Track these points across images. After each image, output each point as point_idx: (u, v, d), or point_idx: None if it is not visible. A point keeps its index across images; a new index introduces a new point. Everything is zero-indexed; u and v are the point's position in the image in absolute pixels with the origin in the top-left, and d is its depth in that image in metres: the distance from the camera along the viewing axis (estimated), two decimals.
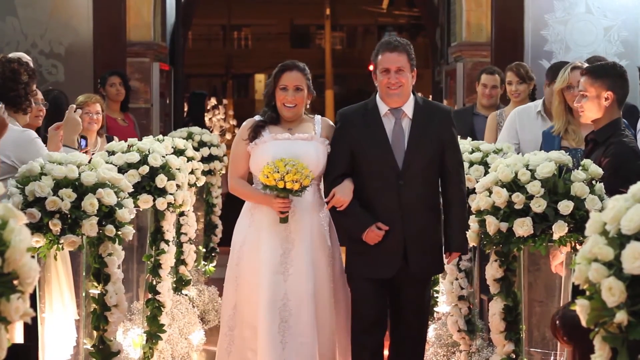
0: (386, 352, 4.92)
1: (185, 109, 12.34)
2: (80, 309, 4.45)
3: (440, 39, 11.99)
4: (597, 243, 2.44)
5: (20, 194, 4.13)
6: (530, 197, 4.10)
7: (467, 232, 4.50)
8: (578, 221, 4.04)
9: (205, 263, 8.23)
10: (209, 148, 7.97)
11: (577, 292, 2.59)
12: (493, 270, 4.32)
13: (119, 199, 4.30)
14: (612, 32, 8.62)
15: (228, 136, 15.23)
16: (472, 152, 5.50)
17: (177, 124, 10.24)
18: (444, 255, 4.80)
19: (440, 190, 4.77)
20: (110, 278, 4.36)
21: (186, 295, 6.84)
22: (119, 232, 4.28)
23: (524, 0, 8.63)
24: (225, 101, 18.31)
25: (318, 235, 4.78)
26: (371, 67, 4.86)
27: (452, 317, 5.64)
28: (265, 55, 23.20)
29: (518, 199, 4.10)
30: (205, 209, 8.24)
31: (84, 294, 4.40)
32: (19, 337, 3.90)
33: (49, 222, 4.09)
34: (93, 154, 5.52)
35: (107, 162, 4.84)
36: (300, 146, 4.74)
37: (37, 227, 4.09)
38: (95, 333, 4.38)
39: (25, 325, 3.85)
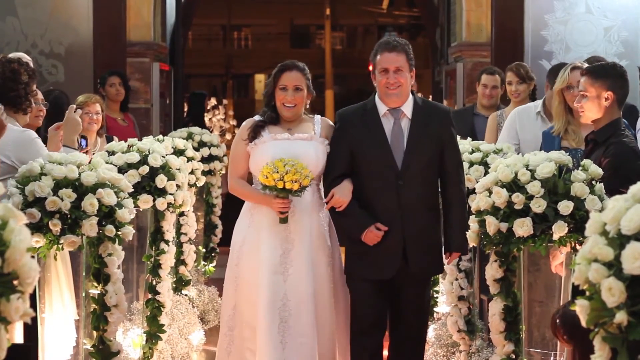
0: (385, 353, 4.92)
1: (185, 109, 12.34)
2: (80, 309, 4.45)
3: (440, 39, 11.99)
4: (597, 243, 2.44)
5: (20, 194, 4.13)
6: (530, 198, 4.10)
7: (467, 232, 4.50)
8: (578, 221, 4.04)
9: (205, 263, 8.23)
10: (209, 148, 7.98)
11: (577, 292, 2.59)
12: (493, 271, 4.32)
13: (119, 199, 4.30)
14: (612, 32, 8.62)
15: (228, 136, 15.22)
16: (472, 152, 5.50)
17: (177, 124, 10.23)
18: (443, 256, 4.80)
19: (439, 190, 4.76)
20: (110, 278, 4.36)
21: (186, 295, 6.84)
22: (119, 232, 4.28)
23: (524, 1, 8.63)
24: (225, 101, 18.30)
25: (318, 235, 4.78)
26: (370, 68, 4.86)
27: (452, 318, 5.65)
28: (265, 55, 23.19)
29: (518, 199, 4.10)
30: (205, 209, 8.24)
31: (83, 294, 4.40)
32: (18, 337, 3.90)
33: (49, 222, 4.09)
34: (93, 154, 5.52)
35: (107, 162, 4.84)
36: (299, 146, 4.74)
37: (37, 227, 4.09)
38: (95, 333, 4.38)
39: (25, 325, 3.85)
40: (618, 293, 2.34)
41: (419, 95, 4.95)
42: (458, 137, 5.58)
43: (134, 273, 5.84)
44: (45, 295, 4.38)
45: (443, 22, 11.49)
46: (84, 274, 4.37)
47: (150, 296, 5.38)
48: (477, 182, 4.42)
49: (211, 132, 9.41)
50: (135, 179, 5.19)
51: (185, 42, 13.48)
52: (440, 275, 6.02)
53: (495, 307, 4.34)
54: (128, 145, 5.43)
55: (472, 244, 4.44)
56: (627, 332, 2.36)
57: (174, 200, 5.34)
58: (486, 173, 5.04)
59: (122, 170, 5.16)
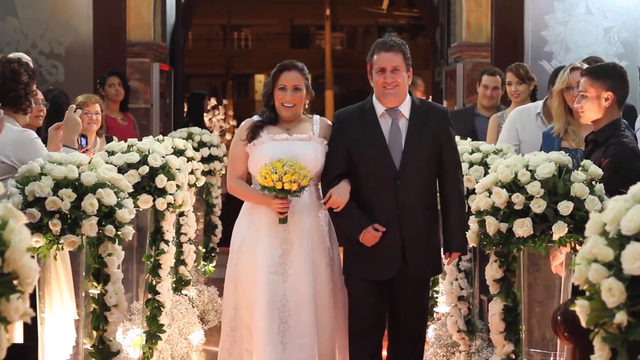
0: (385, 353, 4.92)
1: (185, 109, 12.34)
2: (80, 309, 4.45)
3: (440, 39, 11.98)
4: (597, 244, 2.44)
5: (20, 194, 4.13)
6: (530, 198, 4.10)
7: (466, 231, 4.50)
8: (578, 222, 4.04)
9: (205, 263, 8.23)
10: (209, 148, 7.98)
11: (576, 292, 2.59)
12: (493, 271, 4.32)
13: (119, 199, 4.30)
14: (612, 33, 8.62)
15: (228, 136, 15.21)
16: (472, 152, 5.50)
17: (177, 124, 10.24)
18: (443, 256, 4.79)
19: (438, 190, 4.76)
20: (110, 278, 4.36)
21: (186, 295, 6.84)
22: (119, 232, 4.28)
23: (524, 1, 8.63)
24: (225, 101, 18.28)
25: (317, 235, 4.78)
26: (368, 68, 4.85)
27: (451, 318, 5.65)
28: (265, 55, 23.18)
29: (518, 199, 4.10)
30: (205, 209, 8.24)
31: (83, 294, 4.40)
32: (18, 337, 3.90)
33: (49, 222, 4.09)
34: (94, 153, 5.52)
35: (107, 162, 4.84)
36: (298, 147, 4.74)
37: (37, 227, 4.09)
38: (95, 333, 4.38)
39: (25, 325, 3.85)
40: (618, 293, 2.34)
41: (421, 94, 4.94)
42: (458, 138, 5.60)
43: (134, 273, 5.84)
44: (45, 295, 4.38)
45: (443, 22, 11.49)
46: (83, 274, 4.37)
47: (150, 296, 5.38)
48: (477, 182, 4.42)
49: (211, 132, 9.41)
50: (135, 179, 5.19)
51: (185, 42, 13.47)
52: (440, 275, 6.02)
53: (495, 307, 4.34)
54: (128, 146, 5.43)
55: (472, 244, 4.44)
56: (627, 332, 2.36)
57: (174, 200, 5.34)
58: (486, 173, 5.04)
59: (122, 170, 5.16)
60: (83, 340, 4.42)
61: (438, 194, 4.77)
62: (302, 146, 4.75)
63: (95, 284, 4.36)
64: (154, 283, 5.39)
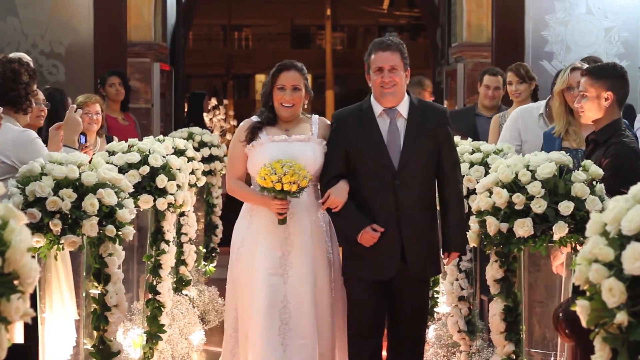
0: (384, 353, 4.91)
1: (186, 110, 12.34)
2: (80, 309, 4.45)
3: (440, 39, 11.99)
4: (598, 244, 2.44)
5: (21, 194, 4.13)
6: (530, 198, 4.10)
7: (465, 231, 4.50)
8: (578, 222, 4.04)
9: (206, 263, 8.23)
10: (210, 148, 7.98)
11: (577, 292, 2.59)
12: (493, 271, 4.32)
13: (120, 199, 4.30)
14: (613, 33, 8.61)
15: (228, 136, 15.21)
16: (473, 152, 5.50)
17: (178, 124, 10.24)
18: (442, 256, 4.78)
19: (436, 190, 4.75)
20: (111, 278, 4.36)
21: (186, 295, 6.84)
22: (120, 232, 4.28)
23: (524, 1, 8.63)
24: (225, 101, 18.30)
25: (317, 235, 4.77)
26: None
27: (452, 318, 5.64)
28: (265, 55, 23.19)
29: (518, 199, 4.10)
30: (205, 209, 8.24)
31: (84, 294, 4.40)
32: (19, 337, 3.90)
33: (50, 222, 4.09)
34: (94, 153, 5.52)
35: (107, 162, 4.84)
36: (297, 147, 4.73)
37: (37, 227, 4.09)
38: (95, 333, 4.38)
39: (26, 325, 3.85)
40: (618, 293, 2.34)
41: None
42: (459, 138, 5.60)
43: (135, 273, 5.84)
44: (46, 295, 4.38)
45: (444, 22, 11.49)
46: (84, 274, 4.37)
47: (150, 296, 5.38)
48: (478, 182, 4.41)
49: (212, 132, 9.42)
50: (135, 179, 5.20)
51: (186, 42, 13.48)
52: (440, 275, 6.01)
53: (496, 308, 4.34)
54: (128, 146, 5.43)
55: (472, 244, 4.44)
56: (627, 332, 2.36)
57: (175, 200, 5.34)
58: (487, 173, 5.03)
59: (122, 170, 5.16)
60: (83, 341, 4.42)
61: (437, 194, 4.77)
62: (301, 147, 4.74)
63: (95, 284, 4.36)
64: (154, 283, 5.39)
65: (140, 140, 5.68)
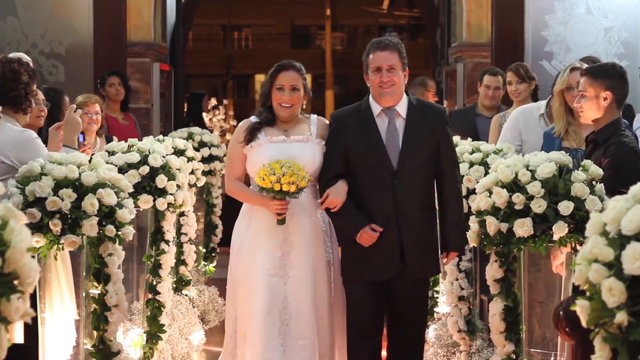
0: (384, 353, 4.91)
1: (186, 110, 12.35)
2: (80, 309, 4.45)
3: (440, 39, 11.98)
4: (598, 244, 2.44)
5: (21, 194, 4.13)
6: (530, 198, 4.10)
7: (463, 231, 4.50)
8: (578, 222, 4.04)
9: (206, 263, 8.23)
10: (209, 148, 7.98)
11: (577, 292, 2.59)
12: (493, 271, 4.32)
13: (119, 199, 4.30)
14: (613, 32, 8.61)
15: (228, 136, 15.20)
16: (472, 152, 5.49)
17: (178, 124, 10.24)
18: (441, 256, 4.78)
19: (435, 189, 4.74)
20: (111, 278, 4.36)
21: (186, 295, 6.84)
22: (119, 232, 4.28)
23: (524, 1, 8.63)
24: (225, 101, 18.29)
25: (317, 236, 4.77)
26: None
27: (452, 318, 5.64)
28: (265, 55, 23.18)
29: (518, 199, 4.10)
30: (205, 209, 8.24)
31: (84, 294, 4.40)
32: (19, 337, 3.90)
33: (49, 222, 4.09)
34: (93, 153, 5.52)
35: (107, 162, 4.84)
36: (296, 148, 4.72)
37: (37, 227, 4.09)
38: (95, 333, 4.38)
39: (26, 325, 3.85)
40: (618, 293, 2.34)
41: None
42: (458, 138, 5.59)
43: (134, 273, 5.84)
44: (46, 295, 4.38)
45: (443, 22, 11.48)
46: (84, 274, 4.37)
47: (150, 296, 5.38)
48: (478, 182, 4.41)
49: (211, 132, 9.42)
50: (135, 179, 5.20)
51: (186, 42, 13.47)
52: (440, 275, 6.01)
53: (496, 307, 4.34)
54: (128, 146, 5.43)
55: (472, 244, 4.44)
56: (627, 332, 2.36)
57: (174, 200, 5.34)
58: (486, 173, 5.03)
59: (122, 170, 5.16)
60: (83, 341, 4.42)
61: (436, 194, 4.76)
62: (300, 147, 4.73)
63: (95, 284, 4.36)
64: (154, 283, 5.39)
65: (140, 140, 5.68)
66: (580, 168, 4.17)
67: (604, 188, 4.12)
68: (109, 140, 6.22)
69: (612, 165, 4.32)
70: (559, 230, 4.04)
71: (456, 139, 5.51)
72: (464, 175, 5.23)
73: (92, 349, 4.38)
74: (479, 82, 7.42)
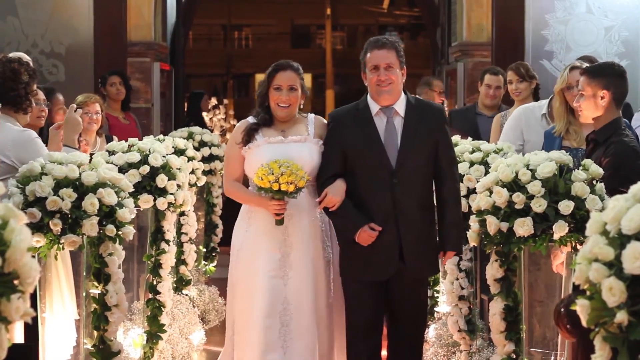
0: (384, 353, 4.91)
1: (186, 109, 12.36)
2: (80, 309, 4.45)
3: (440, 39, 11.99)
4: (598, 243, 2.44)
5: (21, 193, 4.13)
6: (530, 197, 4.10)
7: (461, 230, 4.49)
8: (579, 221, 4.04)
9: (206, 263, 8.23)
10: (210, 148, 7.99)
11: (577, 291, 2.59)
12: (493, 270, 4.32)
13: (120, 199, 4.30)
14: (613, 32, 8.61)
15: (228, 136, 15.18)
16: (473, 152, 5.49)
17: (178, 123, 10.24)
18: (438, 255, 4.77)
19: (434, 188, 4.73)
20: (111, 278, 4.36)
21: (186, 295, 6.84)
22: (120, 232, 4.28)
23: (524, 0, 8.63)
24: (225, 101, 18.30)
25: (316, 236, 4.76)
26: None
27: (452, 317, 5.64)
28: (265, 55, 23.16)
29: (518, 198, 4.10)
30: (205, 208, 8.24)
31: (84, 294, 4.40)
32: (19, 337, 3.90)
33: (50, 222, 4.09)
34: (92, 154, 5.52)
35: (107, 162, 4.84)
36: (293, 148, 4.71)
37: (37, 227, 4.09)
38: (95, 333, 4.37)
39: (26, 325, 3.85)
40: (619, 293, 2.34)
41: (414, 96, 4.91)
42: (459, 137, 5.59)
43: (135, 273, 5.84)
44: (46, 295, 4.38)
45: (444, 22, 11.49)
46: (84, 273, 4.37)
47: (150, 296, 5.38)
48: (478, 181, 4.41)
49: (212, 131, 9.42)
50: (135, 179, 5.19)
51: (186, 42, 13.48)
52: (440, 274, 6.01)
53: (496, 307, 4.34)
54: (129, 145, 5.43)
55: (472, 243, 4.43)
56: (627, 331, 2.36)
57: (175, 199, 5.34)
58: (487, 173, 5.03)
59: (122, 169, 5.16)
60: (84, 340, 4.42)
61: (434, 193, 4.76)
62: (298, 148, 4.72)
63: (95, 283, 4.36)
64: (154, 283, 5.39)
65: (141, 139, 5.68)
66: (581, 167, 4.17)
67: (604, 187, 4.12)
68: (108, 140, 6.22)
69: (613, 165, 4.31)
70: (559, 229, 4.04)
71: (456, 138, 5.51)
72: (464, 175, 5.23)
73: (93, 348, 4.38)
74: (479, 81, 7.42)
